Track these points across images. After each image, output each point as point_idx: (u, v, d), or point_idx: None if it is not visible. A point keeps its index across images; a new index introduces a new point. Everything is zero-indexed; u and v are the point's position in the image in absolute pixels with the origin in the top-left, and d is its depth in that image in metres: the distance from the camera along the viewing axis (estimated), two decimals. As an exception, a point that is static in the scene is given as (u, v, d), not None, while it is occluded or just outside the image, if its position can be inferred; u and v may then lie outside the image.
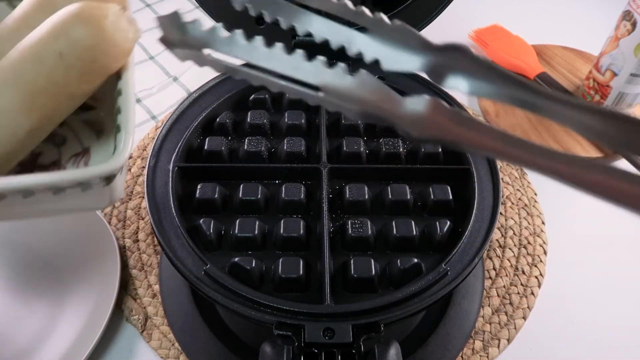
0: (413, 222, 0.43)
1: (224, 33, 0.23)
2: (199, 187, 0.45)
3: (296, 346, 0.36)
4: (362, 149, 0.48)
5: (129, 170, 0.63)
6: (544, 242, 0.58)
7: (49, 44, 0.30)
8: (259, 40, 0.23)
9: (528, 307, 0.52)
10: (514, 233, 0.58)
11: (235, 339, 0.47)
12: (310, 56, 0.23)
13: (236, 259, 0.40)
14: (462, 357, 0.48)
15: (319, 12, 0.25)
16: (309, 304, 0.38)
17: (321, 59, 0.23)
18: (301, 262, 0.40)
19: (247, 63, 0.24)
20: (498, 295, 0.53)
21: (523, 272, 0.55)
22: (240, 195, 0.45)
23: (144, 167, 0.63)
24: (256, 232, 0.42)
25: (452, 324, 0.49)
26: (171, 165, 0.46)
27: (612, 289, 0.54)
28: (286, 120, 0.51)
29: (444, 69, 0.23)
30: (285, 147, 0.48)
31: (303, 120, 0.51)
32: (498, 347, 0.50)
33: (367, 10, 0.24)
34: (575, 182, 0.19)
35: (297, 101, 0.51)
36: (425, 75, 0.23)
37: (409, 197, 0.45)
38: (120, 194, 0.33)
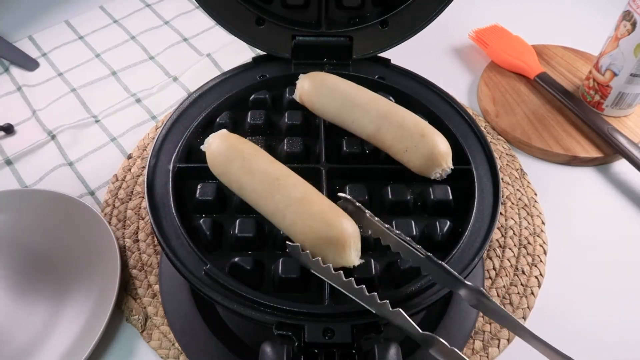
0: (413, 222, 0.43)
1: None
2: (199, 187, 0.45)
3: (296, 346, 0.36)
4: (362, 149, 0.48)
5: (129, 170, 0.63)
6: (544, 242, 0.58)
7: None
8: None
9: (528, 307, 0.52)
10: (514, 233, 0.58)
11: (235, 339, 0.47)
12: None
13: (236, 259, 0.40)
14: (462, 357, 0.48)
15: None
16: (309, 304, 0.38)
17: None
18: (301, 262, 0.40)
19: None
20: (498, 295, 0.53)
21: (523, 272, 0.55)
22: (240, 195, 0.45)
23: (144, 167, 0.63)
24: (256, 232, 0.42)
25: (452, 324, 0.49)
26: (171, 165, 0.46)
27: (612, 288, 0.54)
28: (286, 120, 0.51)
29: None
30: (285, 147, 0.48)
31: (302, 120, 0.51)
32: (498, 347, 0.50)
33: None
34: None
35: (297, 102, 0.51)
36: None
37: (409, 197, 0.45)
38: None
